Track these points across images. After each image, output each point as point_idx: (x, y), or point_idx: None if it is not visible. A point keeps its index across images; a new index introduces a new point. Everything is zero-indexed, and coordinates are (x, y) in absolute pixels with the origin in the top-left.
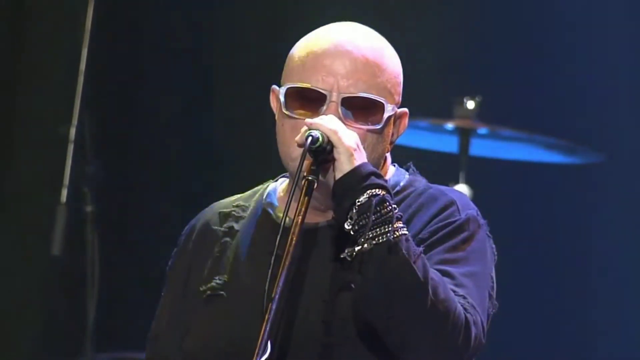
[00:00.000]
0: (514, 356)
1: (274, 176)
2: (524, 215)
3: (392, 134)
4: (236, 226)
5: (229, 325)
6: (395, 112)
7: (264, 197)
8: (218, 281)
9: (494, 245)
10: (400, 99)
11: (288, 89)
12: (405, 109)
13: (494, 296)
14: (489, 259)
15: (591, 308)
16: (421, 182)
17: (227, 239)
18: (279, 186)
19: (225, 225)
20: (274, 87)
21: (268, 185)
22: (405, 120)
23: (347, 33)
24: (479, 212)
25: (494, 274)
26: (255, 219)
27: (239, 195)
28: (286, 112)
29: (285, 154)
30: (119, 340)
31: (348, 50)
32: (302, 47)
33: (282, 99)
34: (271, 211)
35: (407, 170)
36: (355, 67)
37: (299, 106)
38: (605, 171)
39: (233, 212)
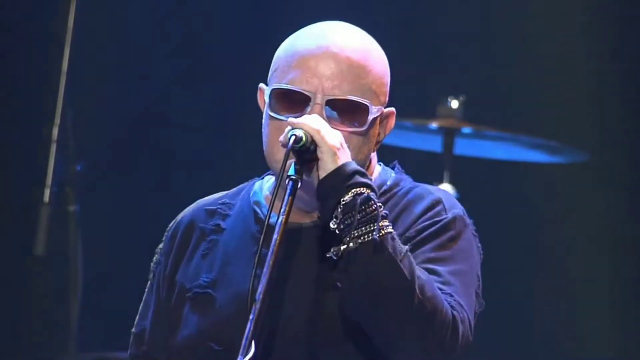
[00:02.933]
0: (501, 354)
1: (259, 174)
2: (508, 215)
3: (379, 134)
4: (223, 224)
5: (216, 323)
6: (382, 113)
7: (250, 195)
8: (205, 279)
9: (479, 245)
10: (387, 98)
11: (273, 90)
12: (392, 109)
13: (480, 295)
14: (475, 258)
15: (575, 307)
16: (407, 181)
17: (214, 237)
18: (265, 184)
19: (211, 222)
20: (261, 85)
21: (254, 183)
22: (392, 120)
23: (333, 34)
24: (465, 212)
25: (480, 273)
26: (242, 218)
27: (224, 193)
28: (271, 114)
29: (270, 154)
30: (102, 340)
31: (333, 52)
32: (288, 47)
33: (267, 100)
34: (258, 210)
35: (392, 169)
36: (340, 69)
37: (283, 107)
38: (589, 170)
39: (219, 210)
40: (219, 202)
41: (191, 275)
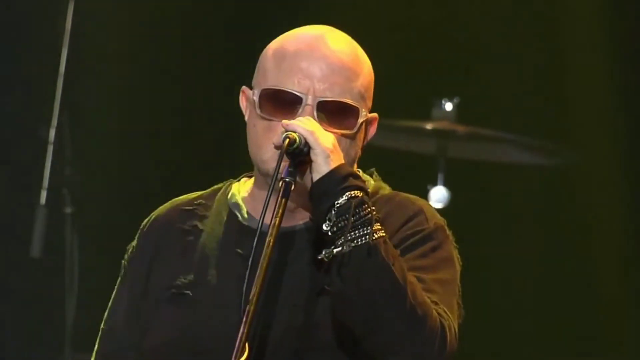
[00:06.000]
0: (495, 358)
1: (235, 175)
2: (503, 217)
3: (363, 139)
4: (200, 225)
5: (195, 324)
6: (367, 118)
7: (228, 197)
8: (183, 280)
9: (459, 256)
10: (371, 103)
11: (263, 90)
12: (375, 114)
13: (462, 306)
14: (456, 269)
15: (571, 308)
16: (386, 188)
17: (191, 237)
18: (241, 186)
19: (188, 223)
20: (245, 88)
21: (230, 185)
22: (375, 126)
23: (323, 36)
24: (445, 222)
25: (459, 284)
26: (220, 220)
27: (199, 193)
28: (261, 114)
29: (257, 155)
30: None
31: (324, 53)
32: (277, 49)
33: (256, 100)
34: (237, 212)
35: (370, 176)
36: (331, 71)
37: (273, 108)
38: (584, 172)
39: (195, 210)
40: (195, 202)
41: (168, 275)
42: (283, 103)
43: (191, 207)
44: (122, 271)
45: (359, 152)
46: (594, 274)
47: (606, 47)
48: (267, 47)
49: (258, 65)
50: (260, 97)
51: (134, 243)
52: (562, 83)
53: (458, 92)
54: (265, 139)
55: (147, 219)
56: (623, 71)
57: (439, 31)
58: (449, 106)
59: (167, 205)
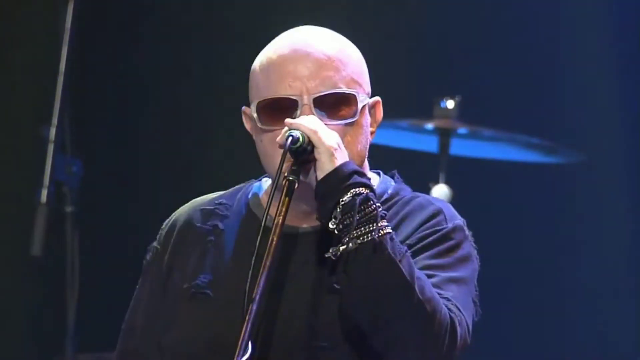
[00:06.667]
0: (497, 356)
1: (256, 176)
2: (505, 215)
3: (371, 124)
4: (221, 225)
5: (214, 323)
6: (368, 102)
7: (249, 197)
8: (203, 280)
9: (477, 256)
10: (370, 88)
11: (259, 103)
12: (377, 98)
13: (478, 304)
14: (473, 268)
15: (573, 306)
16: (407, 190)
17: (212, 237)
18: (263, 186)
19: (209, 223)
20: (245, 108)
21: (251, 185)
22: (380, 108)
23: (303, 36)
24: (465, 223)
25: (476, 283)
26: (240, 219)
27: (220, 193)
28: (262, 127)
29: (270, 165)
30: (99, 340)
31: (307, 52)
32: (262, 60)
33: (255, 115)
34: (257, 212)
35: (392, 177)
36: (318, 66)
37: (272, 118)
38: (586, 170)
39: (216, 210)
40: (216, 202)
41: (189, 275)
42: (280, 110)
43: (212, 207)
44: (143, 271)
45: (370, 138)
46: (595, 273)
47: (606, 47)
48: (254, 63)
49: (250, 83)
50: (258, 111)
51: (155, 244)
52: (562, 82)
53: (460, 91)
54: (274, 149)
55: (167, 220)
56: (623, 71)
57: (440, 29)
58: (450, 104)
59: (187, 205)
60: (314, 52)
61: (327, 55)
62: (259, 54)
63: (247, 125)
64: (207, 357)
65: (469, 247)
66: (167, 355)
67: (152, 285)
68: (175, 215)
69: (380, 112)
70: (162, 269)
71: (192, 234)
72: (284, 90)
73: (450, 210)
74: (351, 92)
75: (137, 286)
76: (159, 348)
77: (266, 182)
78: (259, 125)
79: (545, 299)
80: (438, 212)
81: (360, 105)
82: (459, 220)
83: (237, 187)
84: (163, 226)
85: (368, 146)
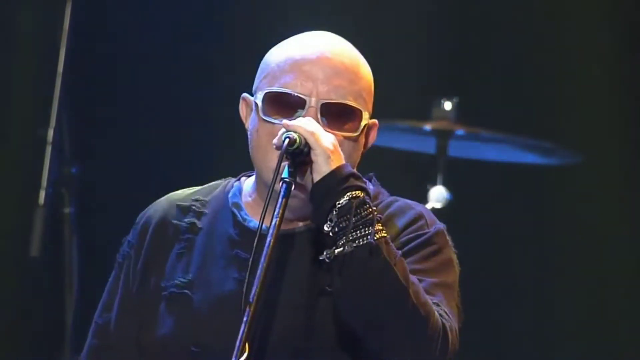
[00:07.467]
0: (497, 356)
1: (234, 174)
2: (503, 217)
3: (364, 145)
4: (198, 223)
5: (194, 325)
6: (368, 123)
7: (229, 196)
8: (182, 279)
9: (457, 261)
10: (372, 110)
11: (266, 93)
12: (375, 120)
13: (461, 309)
14: (456, 273)
15: (570, 309)
16: (385, 193)
17: (190, 235)
18: (243, 186)
19: (185, 220)
20: (245, 95)
21: (229, 183)
22: (375, 133)
23: (324, 40)
24: (445, 227)
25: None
26: (219, 219)
27: (196, 189)
28: (264, 117)
29: (261, 160)
30: None
31: (327, 56)
32: (279, 53)
33: (259, 104)
34: (237, 212)
35: (369, 180)
36: (334, 73)
37: (276, 111)
38: (583, 172)
39: (193, 207)
40: (192, 198)
41: (167, 273)
42: (287, 105)
43: (188, 204)
44: (117, 265)
45: (359, 158)
46: (595, 274)
47: (606, 47)
48: (269, 52)
49: (260, 70)
50: (264, 100)
51: (129, 237)
52: (560, 84)
53: (457, 92)
54: (269, 143)
55: (142, 214)
56: (623, 71)
57: (438, 30)
58: (448, 106)
59: (162, 200)
60: (333, 58)
61: (345, 64)
62: (277, 45)
63: (242, 112)
64: (187, 358)
65: (450, 251)
66: (147, 355)
67: (126, 280)
68: (150, 210)
69: (374, 136)
70: (138, 265)
71: (168, 230)
72: (295, 87)
73: (431, 215)
74: (358, 108)
75: (110, 280)
76: (136, 344)
77: (246, 182)
78: (261, 114)
79: (544, 299)
80: (419, 217)
81: (363, 123)
82: (440, 225)
83: (213, 183)
84: (137, 220)
85: (357, 163)
